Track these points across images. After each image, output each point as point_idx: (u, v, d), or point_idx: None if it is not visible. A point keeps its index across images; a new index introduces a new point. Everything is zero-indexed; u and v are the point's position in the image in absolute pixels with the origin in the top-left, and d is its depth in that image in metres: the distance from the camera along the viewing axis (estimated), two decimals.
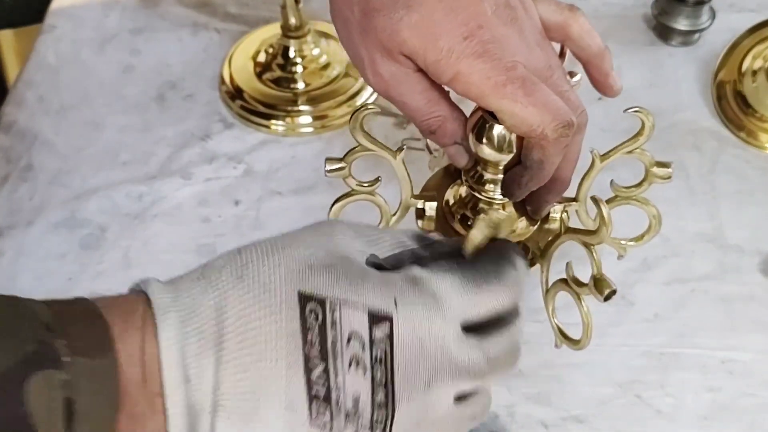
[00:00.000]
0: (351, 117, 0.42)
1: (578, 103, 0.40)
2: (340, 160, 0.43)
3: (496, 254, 0.35)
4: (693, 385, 0.54)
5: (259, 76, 0.74)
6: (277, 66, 0.73)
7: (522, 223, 0.45)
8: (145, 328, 0.31)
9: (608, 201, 0.43)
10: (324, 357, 0.31)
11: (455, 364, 0.33)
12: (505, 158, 0.40)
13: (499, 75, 0.37)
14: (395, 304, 0.32)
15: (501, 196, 0.43)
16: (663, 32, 0.77)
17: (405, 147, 0.44)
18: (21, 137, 0.70)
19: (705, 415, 0.53)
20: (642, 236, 0.47)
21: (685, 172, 0.66)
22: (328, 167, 0.43)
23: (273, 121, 0.71)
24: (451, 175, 0.46)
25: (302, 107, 0.71)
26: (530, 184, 0.41)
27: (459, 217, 0.46)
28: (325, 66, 0.74)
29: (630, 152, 0.44)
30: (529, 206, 0.45)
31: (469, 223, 0.45)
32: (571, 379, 0.55)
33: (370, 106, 0.41)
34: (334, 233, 0.34)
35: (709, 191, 0.65)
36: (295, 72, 0.73)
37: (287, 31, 0.72)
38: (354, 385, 0.31)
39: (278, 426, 0.32)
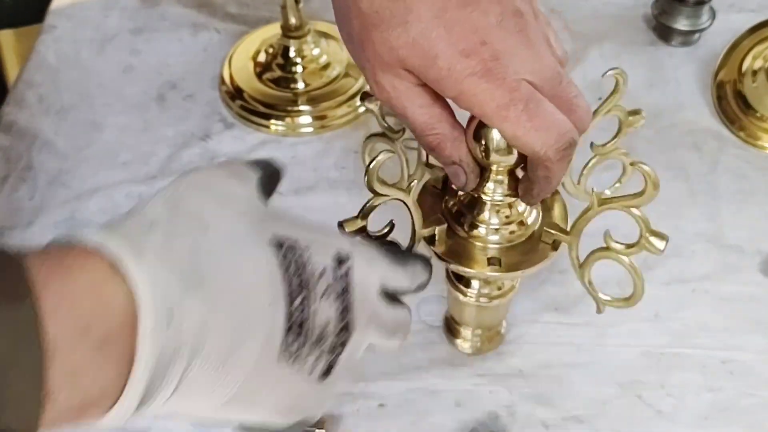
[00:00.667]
0: (366, 172, 0.40)
1: (587, 107, 0.39)
2: (359, 218, 0.42)
3: (417, 257, 0.41)
4: (693, 385, 0.54)
5: (259, 76, 0.74)
6: (277, 66, 0.73)
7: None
8: (92, 271, 0.29)
9: (603, 203, 0.43)
10: (303, 287, 0.34)
11: (379, 315, 0.38)
12: (503, 160, 0.40)
13: (503, 97, 0.36)
14: (353, 248, 0.37)
15: (501, 197, 0.43)
16: (663, 32, 0.77)
17: (415, 182, 0.45)
18: (21, 137, 0.70)
19: (705, 415, 0.53)
20: (640, 195, 0.43)
21: (685, 172, 0.66)
22: (348, 229, 0.42)
23: (273, 121, 0.71)
24: (434, 192, 0.47)
25: (302, 107, 0.71)
26: (542, 194, 0.41)
27: (459, 218, 0.46)
28: (325, 66, 0.74)
29: (609, 111, 0.44)
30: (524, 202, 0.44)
31: (467, 227, 0.45)
32: (572, 379, 0.55)
33: (376, 137, 0.44)
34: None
35: (709, 191, 0.65)
36: (295, 72, 0.73)
37: (287, 31, 0.72)
38: (325, 311, 0.34)
39: (249, 364, 0.32)
